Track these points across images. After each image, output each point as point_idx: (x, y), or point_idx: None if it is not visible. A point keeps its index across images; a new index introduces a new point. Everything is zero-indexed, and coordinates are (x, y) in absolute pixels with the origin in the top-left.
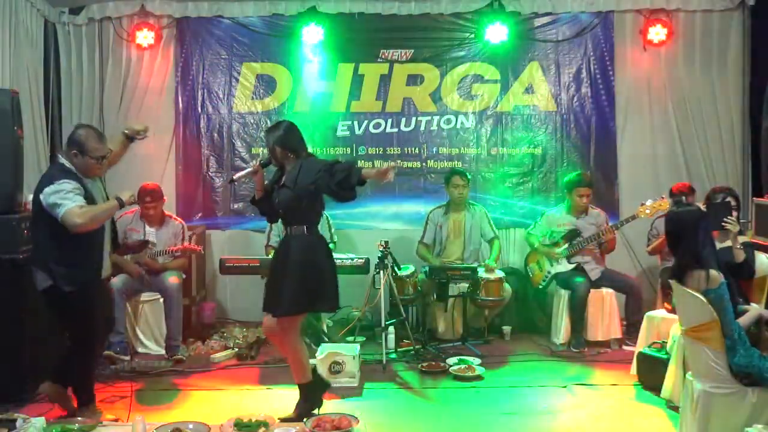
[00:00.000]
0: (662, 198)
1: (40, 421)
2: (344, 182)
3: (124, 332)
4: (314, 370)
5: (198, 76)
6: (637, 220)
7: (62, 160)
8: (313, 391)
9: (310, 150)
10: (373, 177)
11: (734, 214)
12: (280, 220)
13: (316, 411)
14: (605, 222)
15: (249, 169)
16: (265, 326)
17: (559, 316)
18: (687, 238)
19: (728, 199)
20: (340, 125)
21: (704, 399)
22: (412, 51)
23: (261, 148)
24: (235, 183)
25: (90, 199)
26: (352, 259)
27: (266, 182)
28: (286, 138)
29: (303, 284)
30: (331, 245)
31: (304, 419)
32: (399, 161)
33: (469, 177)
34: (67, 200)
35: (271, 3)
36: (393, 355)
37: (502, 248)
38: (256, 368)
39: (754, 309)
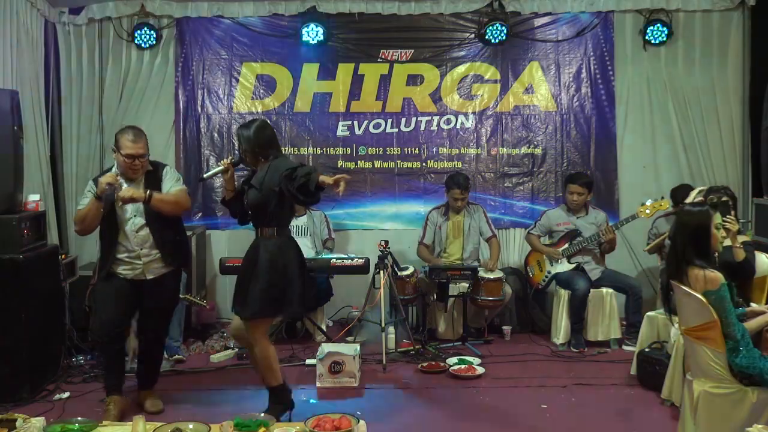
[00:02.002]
0: (662, 198)
1: (40, 421)
2: (303, 188)
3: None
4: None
5: (198, 76)
6: (637, 219)
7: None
8: (283, 393)
9: (282, 149)
10: (327, 186)
11: (732, 213)
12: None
13: (288, 413)
14: (605, 222)
15: (220, 168)
16: (233, 327)
17: (559, 316)
18: (691, 237)
19: (725, 198)
20: (340, 125)
21: (704, 399)
22: (412, 51)
23: None
24: (206, 182)
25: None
26: (352, 259)
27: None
28: (255, 140)
29: (270, 287)
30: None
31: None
32: (399, 161)
33: (469, 185)
34: (80, 202)
35: (271, 3)
36: (393, 355)
37: (502, 248)
38: None
39: (766, 315)
